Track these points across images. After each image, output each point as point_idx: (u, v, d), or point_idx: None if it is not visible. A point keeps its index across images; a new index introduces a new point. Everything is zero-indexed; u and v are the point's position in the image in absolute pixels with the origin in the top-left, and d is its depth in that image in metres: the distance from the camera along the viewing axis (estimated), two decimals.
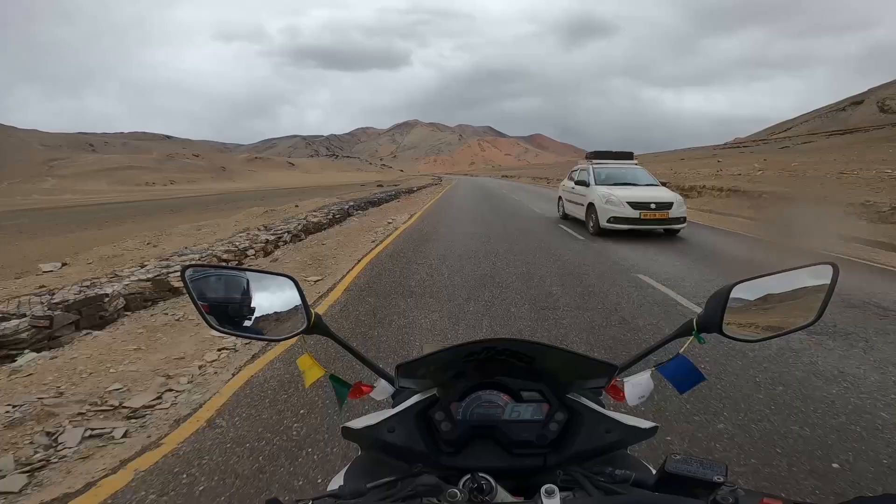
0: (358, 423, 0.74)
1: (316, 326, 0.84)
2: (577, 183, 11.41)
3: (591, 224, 9.92)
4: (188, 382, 3.22)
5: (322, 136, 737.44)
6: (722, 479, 0.56)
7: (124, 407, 2.87)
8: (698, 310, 0.83)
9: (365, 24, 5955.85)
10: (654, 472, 0.64)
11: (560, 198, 13.02)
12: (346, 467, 0.77)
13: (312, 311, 0.83)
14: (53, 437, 2.53)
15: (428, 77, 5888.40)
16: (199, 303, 0.81)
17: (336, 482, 0.75)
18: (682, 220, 9.52)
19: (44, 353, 3.68)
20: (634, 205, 9.30)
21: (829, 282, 0.78)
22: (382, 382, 0.90)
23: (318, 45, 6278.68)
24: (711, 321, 0.78)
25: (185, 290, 0.89)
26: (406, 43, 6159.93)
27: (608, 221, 9.41)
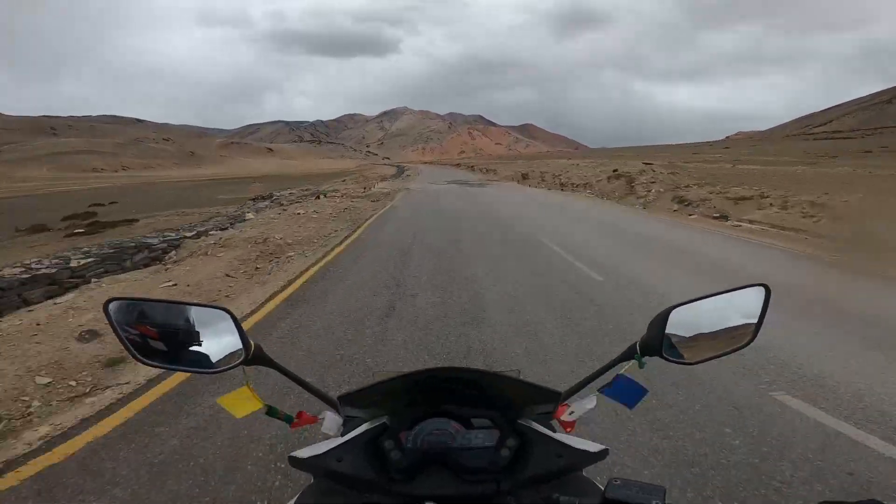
0: (305, 453, 0.73)
1: (256, 357, 0.82)
2: None
3: None
4: None
5: (307, 122, 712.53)
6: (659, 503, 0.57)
7: None
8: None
9: (352, 9, 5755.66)
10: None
11: None
12: (296, 496, 0.75)
13: (251, 341, 0.82)
14: None
15: (418, 65, 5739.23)
16: (124, 337, 0.78)
17: None
18: None
19: None
20: None
21: (761, 302, 0.82)
22: (330, 411, 0.87)
23: (304, 31, 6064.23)
24: (652, 345, 0.81)
25: (108, 325, 0.80)
26: (395, 30, 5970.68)
27: None
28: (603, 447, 0.73)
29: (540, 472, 0.69)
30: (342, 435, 0.76)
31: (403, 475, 0.69)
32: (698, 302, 0.81)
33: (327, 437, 0.80)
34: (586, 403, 0.86)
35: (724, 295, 0.82)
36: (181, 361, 0.80)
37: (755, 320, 0.83)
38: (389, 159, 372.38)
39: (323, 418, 0.86)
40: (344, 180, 37.99)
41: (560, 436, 0.75)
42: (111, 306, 0.78)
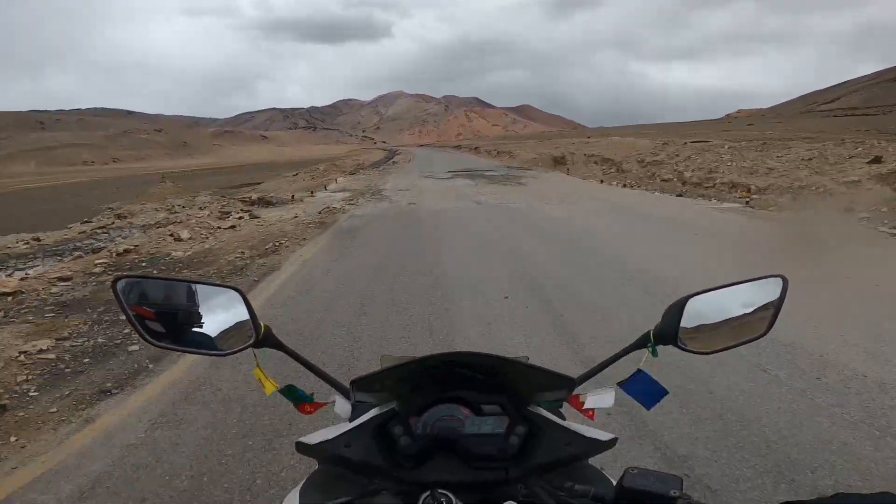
0: (313, 438, 0.71)
1: (266, 339, 0.81)
2: None
3: None
4: None
5: (302, 108, 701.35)
6: (677, 493, 0.58)
7: None
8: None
9: None
10: (613, 483, 0.65)
11: None
12: (300, 484, 0.73)
13: (262, 323, 0.81)
14: None
15: (411, 49, 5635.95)
16: (132, 317, 0.76)
17: (291, 500, 0.71)
18: None
19: None
20: None
21: (778, 293, 0.81)
22: (339, 396, 0.85)
23: (293, 18, 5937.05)
24: (667, 334, 0.80)
25: (117, 304, 0.78)
26: (387, 14, 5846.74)
27: None
28: (612, 436, 0.71)
29: (548, 459, 0.68)
30: (350, 420, 0.75)
31: (412, 461, 0.67)
32: (715, 292, 0.80)
33: (334, 424, 0.77)
34: (604, 399, 0.83)
35: (741, 285, 0.81)
36: (189, 342, 0.78)
37: (772, 311, 0.81)
38: (386, 143, 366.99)
39: (334, 401, 0.85)
40: (296, 174, 27.54)
41: (569, 423, 0.72)
42: (119, 284, 0.76)
